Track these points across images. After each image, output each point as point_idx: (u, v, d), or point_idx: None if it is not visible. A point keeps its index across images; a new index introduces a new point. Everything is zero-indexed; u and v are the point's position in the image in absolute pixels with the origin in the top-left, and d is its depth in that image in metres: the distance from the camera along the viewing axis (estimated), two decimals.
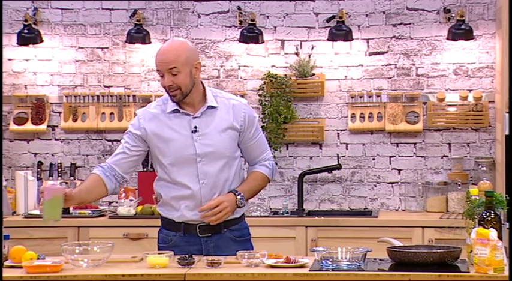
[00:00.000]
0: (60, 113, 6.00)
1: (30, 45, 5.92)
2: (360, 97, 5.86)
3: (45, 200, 3.50)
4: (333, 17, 5.83)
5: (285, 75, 5.86)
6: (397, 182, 5.88)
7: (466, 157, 5.80)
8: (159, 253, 3.54)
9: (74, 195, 3.66)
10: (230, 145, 3.77)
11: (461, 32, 5.67)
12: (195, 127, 3.73)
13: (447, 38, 5.73)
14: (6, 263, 3.50)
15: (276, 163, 4.02)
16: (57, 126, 6.02)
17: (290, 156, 5.94)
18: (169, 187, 3.78)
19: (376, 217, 5.50)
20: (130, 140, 3.80)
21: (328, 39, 5.81)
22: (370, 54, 5.88)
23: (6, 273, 3.39)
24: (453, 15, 5.73)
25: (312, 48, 5.88)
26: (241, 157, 3.88)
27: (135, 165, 3.86)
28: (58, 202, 3.52)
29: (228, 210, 3.70)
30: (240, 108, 3.80)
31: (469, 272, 3.30)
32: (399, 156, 5.87)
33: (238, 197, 3.73)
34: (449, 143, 5.84)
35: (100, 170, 3.78)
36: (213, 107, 3.77)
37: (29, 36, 5.86)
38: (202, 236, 3.76)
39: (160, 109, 3.80)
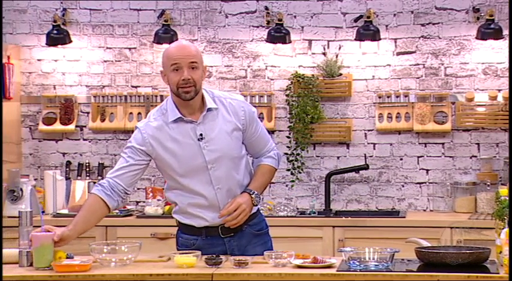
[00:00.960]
0: (88, 113, 6.03)
1: (59, 46, 5.96)
2: (388, 97, 5.84)
3: (34, 248, 3.44)
4: (361, 16, 5.81)
5: (312, 75, 5.85)
6: (425, 183, 5.84)
7: (495, 157, 5.75)
8: (186, 253, 3.55)
9: (69, 234, 3.53)
10: (236, 145, 3.74)
11: (490, 31, 5.63)
12: (201, 135, 3.68)
13: (476, 38, 5.69)
14: None
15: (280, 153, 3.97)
16: (85, 126, 6.05)
17: (317, 156, 5.92)
18: (184, 196, 3.75)
19: (404, 217, 5.47)
20: (134, 154, 3.71)
21: (355, 39, 5.79)
22: (398, 54, 5.86)
23: (35, 272, 3.41)
24: (482, 14, 5.69)
25: (340, 48, 5.87)
26: (247, 153, 3.86)
27: (139, 177, 3.79)
28: (47, 249, 3.43)
29: (247, 211, 3.70)
30: (239, 107, 3.76)
31: (498, 273, 3.27)
32: (427, 156, 5.84)
33: (253, 196, 3.72)
34: (478, 143, 5.79)
35: (99, 189, 3.69)
36: (212, 109, 3.71)
37: (58, 37, 5.90)
38: (225, 237, 3.75)
39: (161, 120, 3.73)
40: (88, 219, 3.64)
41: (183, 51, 3.65)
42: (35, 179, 5.85)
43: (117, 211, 5.56)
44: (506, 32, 5.68)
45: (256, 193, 3.73)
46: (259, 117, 4.22)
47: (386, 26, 5.84)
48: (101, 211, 3.67)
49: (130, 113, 5.99)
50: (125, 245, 3.55)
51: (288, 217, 5.51)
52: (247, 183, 3.79)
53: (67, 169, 5.98)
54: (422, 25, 5.83)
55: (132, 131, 5.91)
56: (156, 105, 5.86)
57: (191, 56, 3.64)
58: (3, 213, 5.54)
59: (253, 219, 3.80)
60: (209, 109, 3.70)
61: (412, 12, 5.84)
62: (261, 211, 3.95)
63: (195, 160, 3.67)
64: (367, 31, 5.73)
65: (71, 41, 5.94)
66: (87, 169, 5.94)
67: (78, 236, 3.60)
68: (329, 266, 3.42)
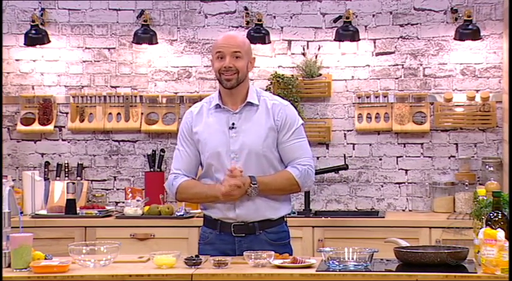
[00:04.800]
0: (67, 113, 6.01)
1: (38, 46, 5.93)
2: (367, 97, 5.86)
3: (12, 250, 3.43)
4: (340, 17, 5.82)
5: (292, 75, 5.86)
6: (404, 183, 5.87)
7: (473, 157, 5.78)
8: (166, 253, 3.54)
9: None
10: (266, 144, 3.76)
11: (468, 32, 5.66)
12: (233, 124, 3.78)
13: (454, 38, 5.72)
14: None
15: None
16: (64, 127, 6.02)
17: None
18: (207, 183, 3.82)
19: (383, 217, 5.49)
20: (185, 140, 3.85)
21: (335, 40, 5.81)
22: (377, 54, 5.88)
23: (13, 273, 3.39)
24: (460, 15, 5.72)
25: (319, 49, 5.88)
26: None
27: (198, 165, 3.89)
28: (26, 250, 3.42)
29: (235, 197, 3.69)
30: (279, 108, 3.82)
31: (476, 272, 3.29)
32: (406, 156, 5.87)
33: (252, 185, 3.70)
34: (456, 144, 5.83)
35: (183, 177, 3.82)
36: (252, 105, 3.80)
37: (36, 37, 5.87)
38: (237, 236, 3.78)
39: (204, 106, 3.87)
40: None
41: (228, 40, 3.79)
42: (13, 180, 5.81)
43: (96, 212, 5.54)
44: (484, 32, 5.72)
45: (256, 185, 3.71)
46: None
47: (366, 26, 5.86)
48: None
49: (110, 113, 5.97)
50: (104, 245, 3.54)
51: None
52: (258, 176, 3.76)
53: (46, 170, 5.95)
54: (401, 26, 5.85)
55: (111, 132, 5.98)
56: (135, 106, 5.93)
57: (235, 46, 3.76)
58: None
59: (272, 227, 3.81)
60: (249, 103, 3.80)
61: (391, 13, 5.86)
62: None
63: (221, 146, 3.75)
64: (347, 31, 5.75)
65: (49, 41, 5.91)
66: (66, 170, 5.91)
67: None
68: (308, 267, 3.43)
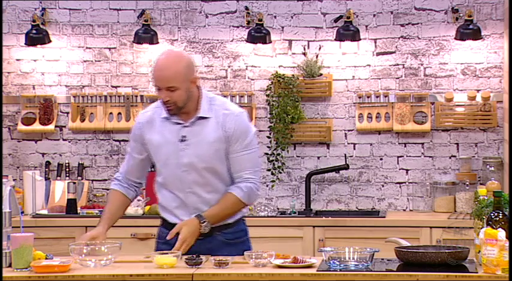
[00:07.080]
0: (68, 113, 6.01)
1: (38, 46, 5.93)
2: (368, 97, 5.86)
3: (13, 250, 3.43)
4: (341, 17, 5.82)
5: (293, 75, 5.86)
6: (404, 182, 5.87)
7: (474, 157, 5.79)
8: (166, 253, 3.54)
9: (101, 231, 3.78)
10: (215, 156, 3.72)
11: (469, 31, 5.66)
12: (183, 136, 3.72)
13: (455, 38, 5.72)
14: None
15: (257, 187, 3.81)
16: (65, 127, 6.03)
17: (297, 156, 5.93)
18: (162, 191, 3.83)
19: (384, 217, 5.49)
20: (134, 146, 3.87)
21: (335, 39, 5.81)
22: (378, 54, 5.88)
23: (14, 273, 3.40)
24: (461, 15, 5.72)
25: (320, 48, 5.88)
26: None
27: (146, 168, 3.92)
28: (26, 250, 3.42)
29: (188, 242, 3.65)
30: (230, 119, 3.73)
31: (477, 272, 3.29)
32: (407, 156, 5.87)
33: (203, 224, 3.68)
34: (457, 143, 5.83)
35: (117, 184, 3.89)
36: (204, 118, 3.73)
37: (37, 37, 5.87)
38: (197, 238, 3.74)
39: (156, 113, 3.80)
40: (115, 213, 3.90)
41: (160, 74, 3.66)
42: (14, 180, 5.82)
43: (96, 211, 5.54)
44: (484, 32, 5.72)
45: (207, 222, 3.68)
46: None
47: (366, 26, 5.86)
48: (124, 202, 3.93)
49: (110, 113, 5.98)
50: (104, 245, 3.54)
51: (268, 217, 5.52)
52: (205, 210, 3.73)
53: (46, 169, 5.95)
54: (402, 25, 5.85)
55: (112, 132, 5.99)
56: (136, 106, 5.93)
57: (167, 81, 3.64)
58: None
59: (228, 228, 3.79)
60: (200, 117, 3.73)
61: (391, 12, 5.86)
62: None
63: (172, 158, 3.74)
64: (347, 31, 5.75)
65: (50, 41, 5.91)
66: (67, 169, 5.91)
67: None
68: (309, 266, 3.43)
